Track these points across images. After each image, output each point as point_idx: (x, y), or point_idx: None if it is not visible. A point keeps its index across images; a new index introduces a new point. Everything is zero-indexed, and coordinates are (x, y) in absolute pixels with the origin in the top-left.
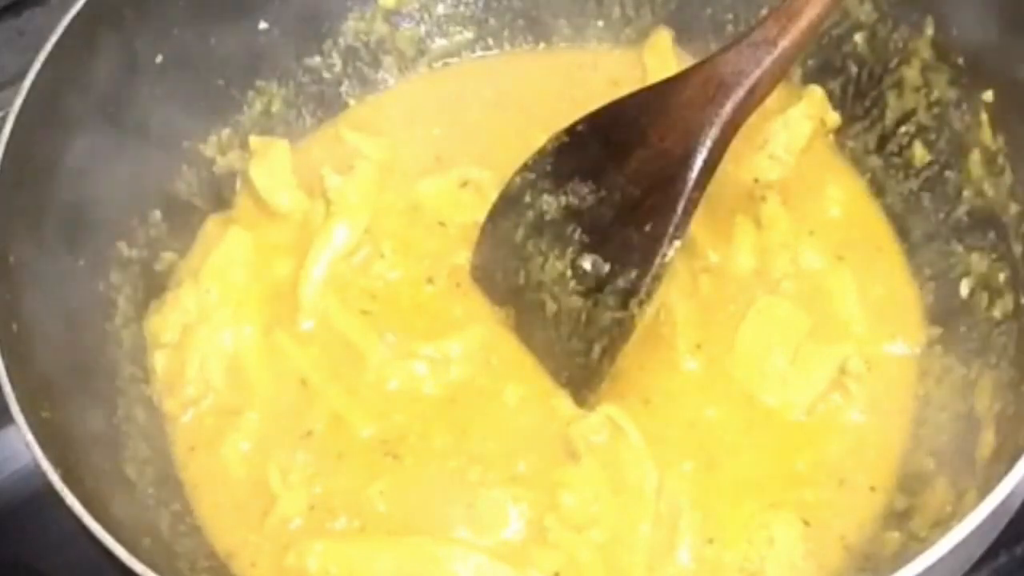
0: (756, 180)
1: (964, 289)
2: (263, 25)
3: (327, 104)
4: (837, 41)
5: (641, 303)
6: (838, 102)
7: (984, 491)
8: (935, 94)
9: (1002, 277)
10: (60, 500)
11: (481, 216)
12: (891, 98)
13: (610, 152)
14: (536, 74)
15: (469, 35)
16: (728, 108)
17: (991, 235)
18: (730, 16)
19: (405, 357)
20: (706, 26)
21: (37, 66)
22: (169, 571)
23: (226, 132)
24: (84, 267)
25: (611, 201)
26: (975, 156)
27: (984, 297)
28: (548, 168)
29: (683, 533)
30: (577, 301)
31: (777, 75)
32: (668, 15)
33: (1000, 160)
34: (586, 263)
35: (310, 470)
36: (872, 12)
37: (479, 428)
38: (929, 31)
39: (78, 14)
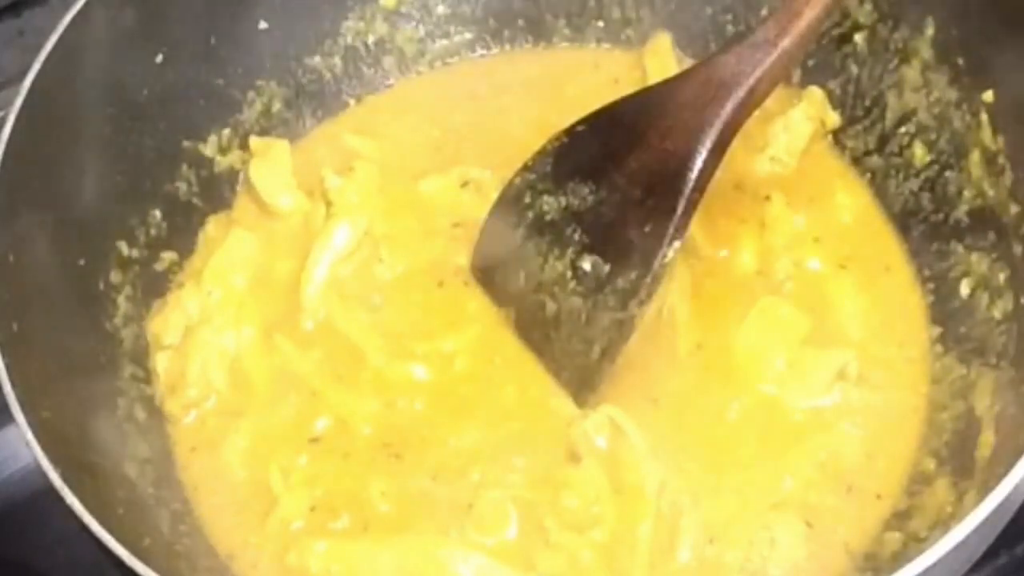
0: (757, 181)
1: (964, 289)
2: (263, 25)
3: (327, 104)
4: (837, 41)
5: (641, 303)
6: (838, 102)
7: (984, 491)
8: (935, 94)
9: (1002, 277)
10: (60, 500)
11: (482, 216)
12: (891, 98)
13: (610, 153)
14: (536, 74)
15: (469, 35)
16: (728, 109)
17: (991, 235)
18: (730, 17)
19: (406, 357)
20: (706, 27)
21: (37, 66)
22: (169, 571)
23: (226, 132)
24: (84, 267)
25: (611, 202)
26: (975, 156)
27: (984, 297)
28: (548, 169)
29: (684, 533)
30: (577, 301)
31: (777, 76)
32: (668, 15)
33: (1000, 160)
34: (586, 264)
35: (311, 471)
36: (872, 12)
37: (480, 428)
38: (929, 31)
39: (78, 14)
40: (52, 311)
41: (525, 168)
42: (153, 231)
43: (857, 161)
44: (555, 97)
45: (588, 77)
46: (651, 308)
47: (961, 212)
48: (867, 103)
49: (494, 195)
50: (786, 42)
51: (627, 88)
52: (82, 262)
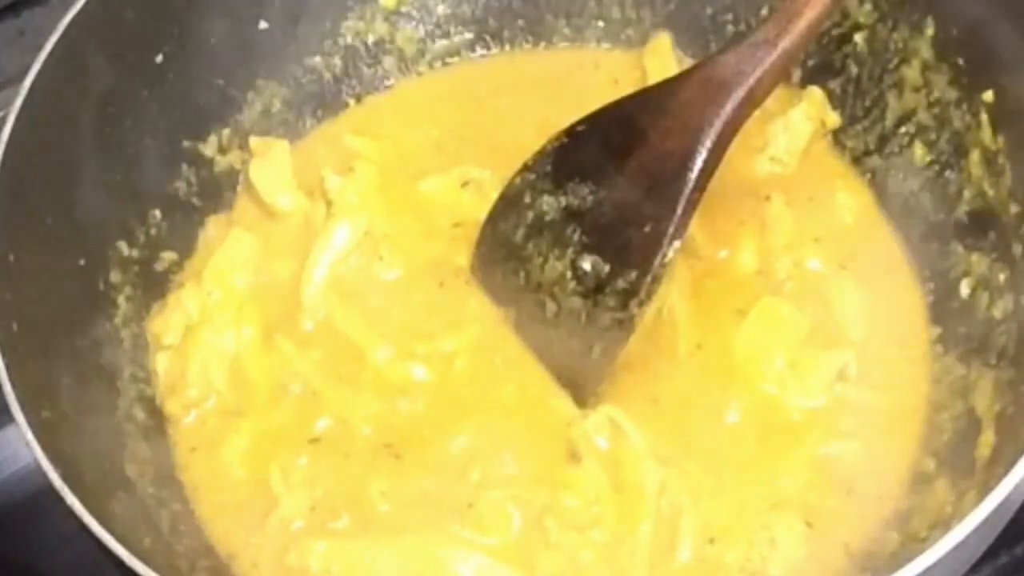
0: (757, 181)
1: (964, 289)
2: (263, 25)
3: (327, 104)
4: (837, 41)
5: (641, 303)
6: (838, 102)
7: (984, 491)
8: (935, 94)
9: (1002, 277)
10: (60, 500)
11: (482, 216)
12: (891, 98)
13: (610, 152)
14: (536, 74)
15: (469, 35)
16: (728, 108)
17: (991, 235)
18: (730, 16)
19: (406, 358)
20: (706, 27)
21: (37, 66)
22: (169, 571)
23: (226, 132)
24: (84, 267)
25: (611, 202)
26: (975, 156)
27: (984, 297)
28: (548, 169)
29: (684, 533)
30: (577, 302)
31: (777, 75)
32: (668, 16)
33: (1000, 160)
34: (586, 264)
35: (312, 471)
36: (872, 12)
37: (480, 428)
38: (929, 31)
39: (78, 14)
40: (52, 311)
41: (525, 168)
42: (153, 231)
43: (857, 161)
44: (555, 97)
45: (588, 77)
46: (651, 308)
47: (961, 212)
48: (867, 103)
49: (494, 195)
50: (786, 42)
51: (627, 88)
52: (82, 262)
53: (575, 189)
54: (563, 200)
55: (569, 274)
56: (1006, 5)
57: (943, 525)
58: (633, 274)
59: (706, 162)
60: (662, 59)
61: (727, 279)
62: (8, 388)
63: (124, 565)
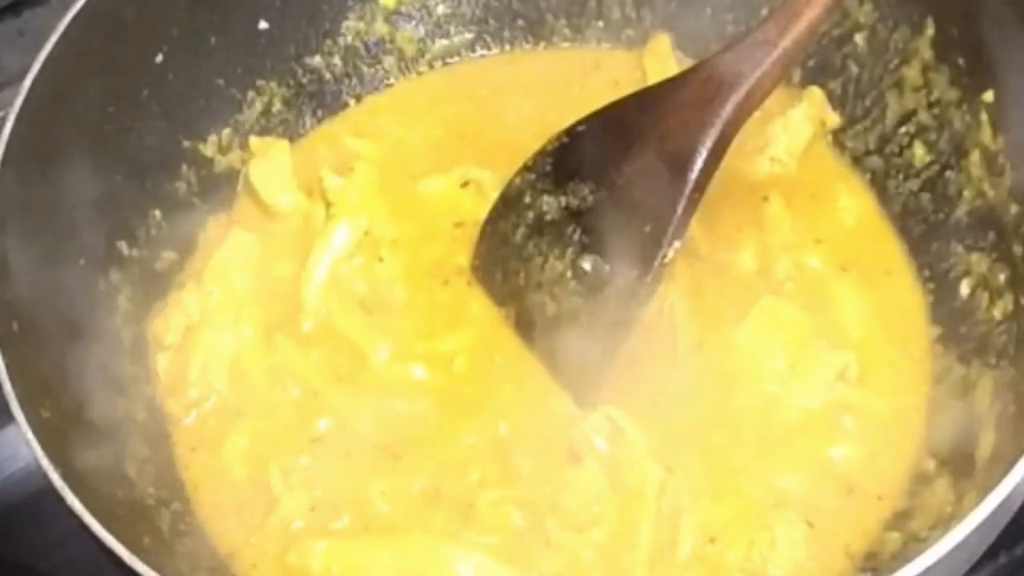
0: (757, 182)
1: (964, 289)
2: (263, 25)
3: (327, 104)
4: (837, 41)
5: (641, 304)
6: (838, 102)
7: (984, 491)
8: (935, 94)
9: (1002, 277)
10: (60, 500)
11: (482, 216)
12: (891, 98)
13: (610, 152)
14: (536, 74)
15: (469, 35)
16: (728, 108)
17: (991, 235)
18: (730, 17)
19: (406, 358)
20: (706, 27)
21: (37, 66)
22: (169, 571)
23: (226, 132)
24: (84, 267)
25: (611, 202)
26: (975, 156)
27: (984, 297)
28: (548, 169)
29: (684, 532)
30: (577, 302)
31: (777, 75)
32: (668, 16)
33: (1000, 160)
34: (586, 263)
35: (312, 471)
36: (872, 12)
37: (480, 428)
38: (929, 31)
39: (78, 14)
40: (52, 311)
41: (525, 168)
42: (153, 231)
43: (857, 161)
44: (555, 97)
45: (588, 77)
46: (651, 308)
47: (961, 212)
48: (867, 103)
49: (494, 195)
50: (786, 42)
51: (627, 89)
52: (82, 262)
53: (575, 189)
54: (563, 200)
55: (569, 274)
56: (1006, 5)
57: (943, 525)
58: (633, 274)
59: (706, 162)
60: (662, 59)
61: (727, 279)
62: (8, 388)
63: (124, 565)
